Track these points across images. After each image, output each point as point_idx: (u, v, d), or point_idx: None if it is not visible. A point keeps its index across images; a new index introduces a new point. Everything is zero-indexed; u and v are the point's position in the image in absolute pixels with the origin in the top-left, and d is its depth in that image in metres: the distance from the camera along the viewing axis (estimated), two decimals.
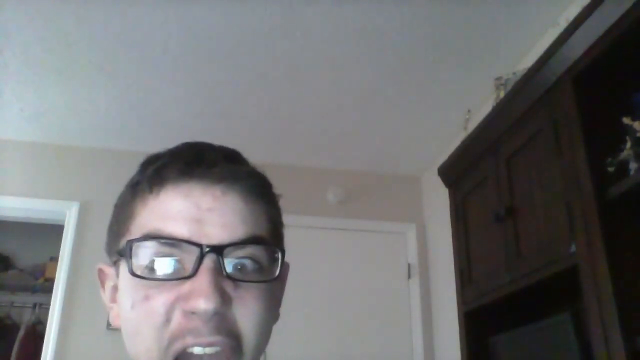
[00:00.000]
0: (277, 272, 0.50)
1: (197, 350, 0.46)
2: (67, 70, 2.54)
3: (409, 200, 3.47)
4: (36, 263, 4.18)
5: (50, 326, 2.86)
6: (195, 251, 0.47)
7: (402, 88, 2.63)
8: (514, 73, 2.07)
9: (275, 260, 0.51)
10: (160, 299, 0.47)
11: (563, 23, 1.73)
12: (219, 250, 0.47)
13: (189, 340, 0.45)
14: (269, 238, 0.52)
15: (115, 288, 0.54)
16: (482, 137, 1.99)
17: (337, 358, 3.03)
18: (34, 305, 3.95)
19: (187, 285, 0.46)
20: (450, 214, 2.22)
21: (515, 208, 1.75)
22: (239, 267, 0.48)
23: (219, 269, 0.46)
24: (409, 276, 3.27)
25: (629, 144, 1.34)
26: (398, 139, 3.11)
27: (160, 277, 0.47)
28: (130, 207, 0.52)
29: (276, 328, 0.58)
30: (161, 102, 2.79)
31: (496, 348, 1.87)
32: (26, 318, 3.92)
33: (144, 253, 0.48)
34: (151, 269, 0.47)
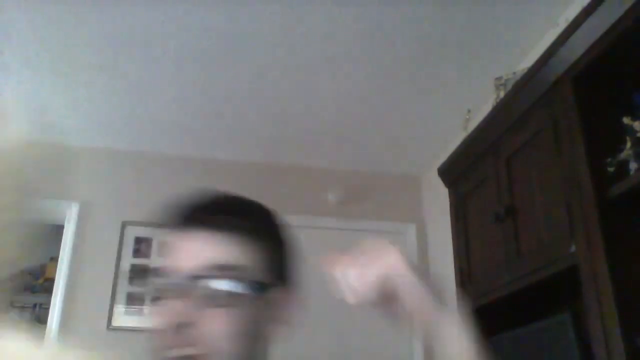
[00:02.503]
0: (249, 293, 0.60)
1: (179, 352, 0.57)
2: (67, 70, 2.54)
3: (409, 200, 3.46)
4: (36, 263, 4.18)
5: (50, 326, 2.86)
6: (174, 281, 0.59)
7: (402, 88, 2.63)
8: (514, 73, 2.07)
9: (255, 289, 0.60)
10: (157, 314, 0.60)
11: (563, 23, 1.73)
12: (189, 279, 0.58)
13: (174, 352, 0.57)
14: (253, 263, 0.62)
15: None
16: (482, 137, 1.99)
17: (337, 358, 3.03)
18: (34, 305, 3.95)
19: (169, 306, 0.58)
20: (450, 214, 2.22)
21: (515, 208, 1.75)
22: (210, 291, 0.58)
23: (189, 294, 0.58)
24: None
25: (629, 144, 1.34)
26: (398, 139, 3.11)
27: (158, 299, 0.61)
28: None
29: None
30: (161, 102, 2.79)
31: (496, 348, 1.87)
32: (26, 318, 3.92)
33: (150, 282, 0.63)
34: (152, 293, 0.62)
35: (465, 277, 2.04)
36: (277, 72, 2.53)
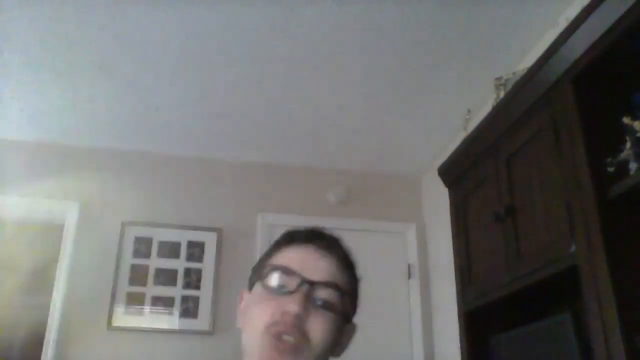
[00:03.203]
0: (342, 312, 0.80)
1: (285, 337, 0.74)
2: (67, 70, 2.54)
3: (409, 200, 3.47)
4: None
5: (50, 326, 2.86)
6: (299, 280, 0.77)
7: (402, 88, 2.63)
8: (514, 73, 2.07)
9: (345, 304, 0.81)
10: (273, 304, 0.77)
11: (563, 23, 1.73)
12: (311, 283, 0.77)
13: (281, 328, 0.74)
14: (346, 290, 0.82)
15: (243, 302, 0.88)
16: (482, 137, 1.99)
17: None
18: None
19: (288, 298, 0.76)
20: (450, 214, 2.22)
21: (515, 208, 1.75)
22: (320, 298, 0.78)
23: (308, 294, 0.77)
24: (409, 276, 3.27)
25: (629, 144, 1.34)
26: (398, 139, 3.11)
27: (275, 292, 0.79)
28: (270, 253, 0.86)
29: None
30: (161, 102, 2.79)
31: (496, 348, 1.87)
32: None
33: (272, 276, 0.80)
34: (272, 286, 0.79)
35: (465, 277, 2.04)
36: (277, 73, 2.53)
